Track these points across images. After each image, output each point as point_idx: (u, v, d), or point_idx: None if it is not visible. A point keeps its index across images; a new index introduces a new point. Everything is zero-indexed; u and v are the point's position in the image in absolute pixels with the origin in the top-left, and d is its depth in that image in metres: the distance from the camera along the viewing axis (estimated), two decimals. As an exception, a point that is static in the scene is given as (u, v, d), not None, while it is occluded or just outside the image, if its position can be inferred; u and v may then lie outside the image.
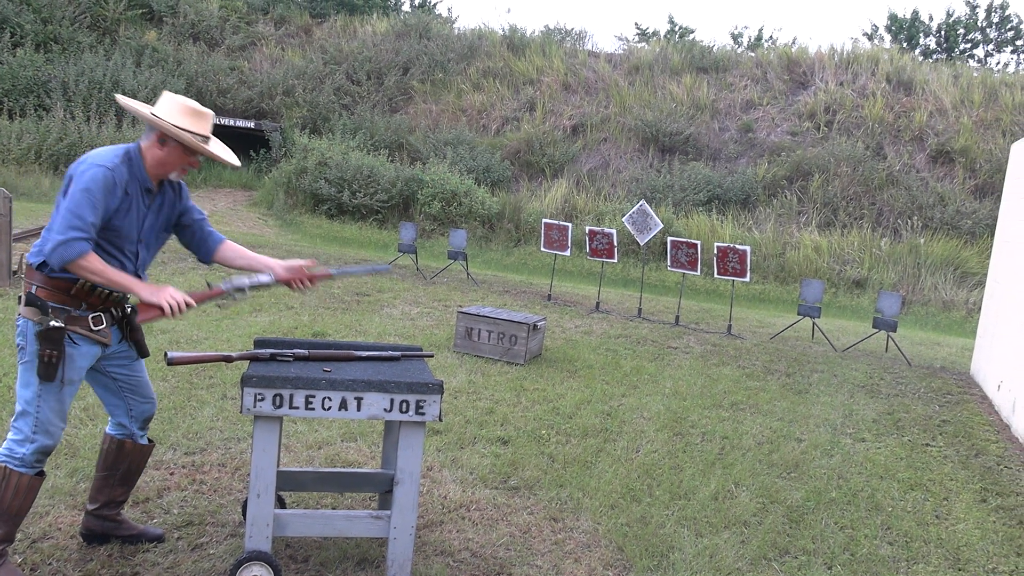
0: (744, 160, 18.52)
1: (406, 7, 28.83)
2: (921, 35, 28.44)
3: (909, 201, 16.61)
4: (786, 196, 17.23)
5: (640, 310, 10.51)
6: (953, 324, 13.45)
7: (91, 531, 3.20)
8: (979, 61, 27.49)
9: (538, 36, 23.50)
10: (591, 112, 19.92)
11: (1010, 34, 27.78)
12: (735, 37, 30.91)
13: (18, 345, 2.83)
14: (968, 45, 28.16)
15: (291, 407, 2.89)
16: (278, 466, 3.14)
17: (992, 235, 10.67)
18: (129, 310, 3.02)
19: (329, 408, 2.93)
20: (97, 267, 2.73)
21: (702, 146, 18.91)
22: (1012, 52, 28.20)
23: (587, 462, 4.74)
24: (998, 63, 28.09)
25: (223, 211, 16.93)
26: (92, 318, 2.86)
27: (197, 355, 3.10)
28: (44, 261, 2.75)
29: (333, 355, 3.22)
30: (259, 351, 3.14)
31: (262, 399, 2.86)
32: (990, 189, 16.59)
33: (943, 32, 28.16)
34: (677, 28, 30.29)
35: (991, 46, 28.26)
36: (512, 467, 4.52)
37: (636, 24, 46.41)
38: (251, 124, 19.97)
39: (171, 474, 3.94)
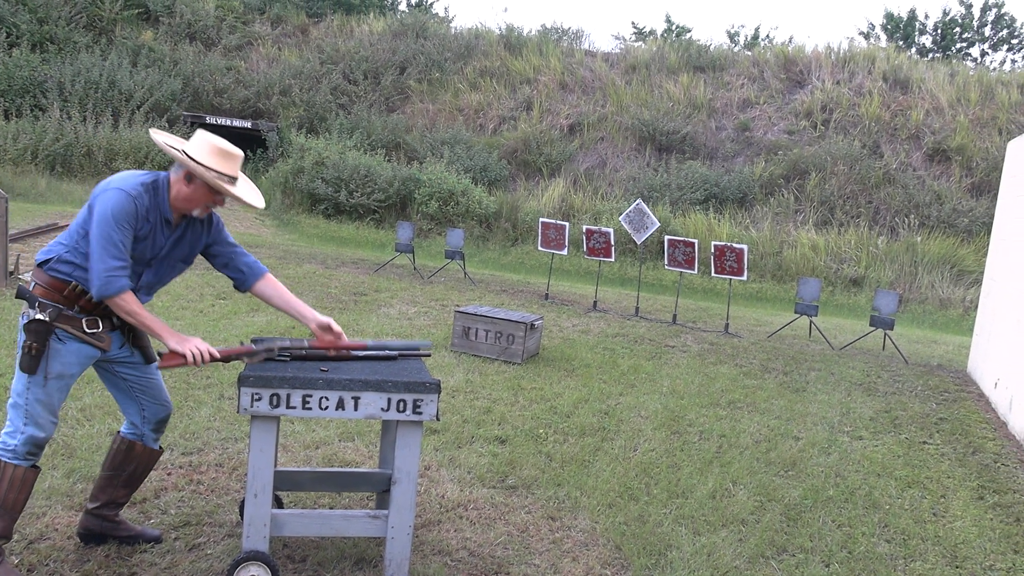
0: (741, 159, 18.53)
1: (403, 7, 28.84)
2: (917, 34, 28.48)
3: (906, 199, 16.63)
4: (783, 195, 17.25)
5: (637, 309, 10.51)
6: (950, 322, 13.47)
7: (89, 530, 3.20)
8: (974, 60, 27.54)
9: (535, 35, 23.51)
10: (588, 111, 19.92)
11: (1004, 33, 27.84)
12: (732, 36, 30.96)
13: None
14: (964, 44, 28.21)
15: (288, 407, 2.89)
16: (275, 466, 3.14)
17: (988, 233, 10.69)
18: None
19: (326, 408, 2.93)
20: (132, 308, 2.82)
21: (699, 145, 18.92)
22: (1008, 51, 28.26)
23: (585, 461, 4.74)
24: (992, 62, 28.16)
25: (221, 211, 16.89)
26: (87, 321, 2.88)
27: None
28: (47, 259, 2.84)
29: (330, 355, 3.22)
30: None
31: (259, 399, 2.86)
32: (986, 187, 16.62)
33: (939, 31, 28.21)
34: (674, 27, 30.31)
35: (987, 45, 28.32)
36: (510, 466, 4.52)
37: (633, 23, 46.41)
38: (248, 124, 19.95)
39: (168, 474, 3.93)
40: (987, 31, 28.10)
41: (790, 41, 24.33)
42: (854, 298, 14.44)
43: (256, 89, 20.65)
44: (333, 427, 4.82)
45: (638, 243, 11.20)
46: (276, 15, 23.98)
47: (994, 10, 27.74)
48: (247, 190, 3.08)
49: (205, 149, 2.91)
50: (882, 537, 4.14)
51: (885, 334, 9.57)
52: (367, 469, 3.88)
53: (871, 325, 9.48)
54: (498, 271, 14.27)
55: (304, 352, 3.15)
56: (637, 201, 11.00)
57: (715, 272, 10.24)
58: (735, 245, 10.03)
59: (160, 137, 3.01)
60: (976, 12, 27.92)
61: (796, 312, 9.92)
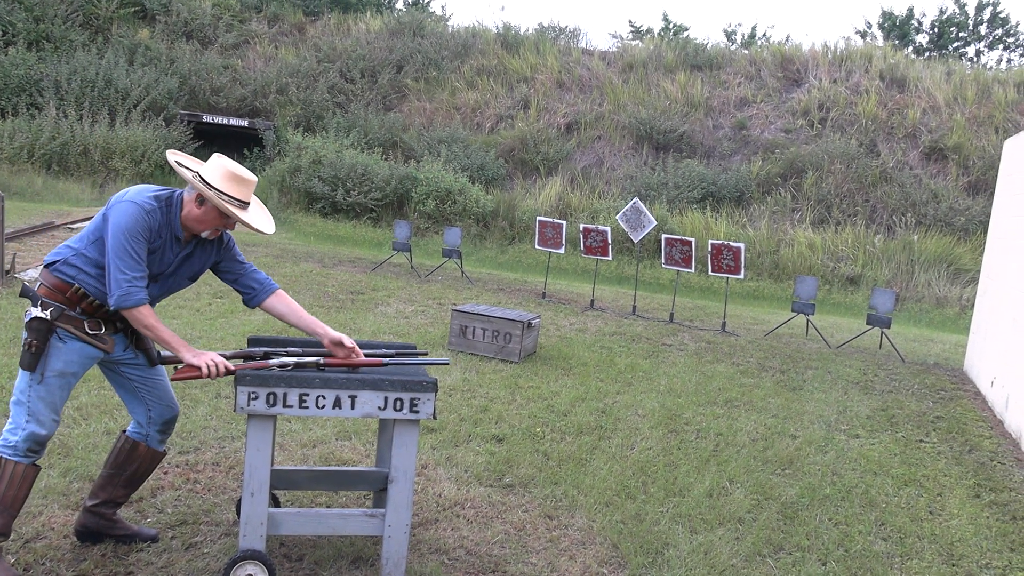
0: (738, 157, 18.54)
1: (400, 5, 28.80)
2: (914, 33, 28.52)
3: (903, 198, 16.65)
4: (780, 193, 17.26)
5: (634, 307, 10.52)
6: (946, 320, 13.49)
7: (86, 528, 3.20)
8: (970, 60, 27.58)
9: (532, 34, 23.49)
10: (585, 110, 19.92)
11: (1000, 31, 27.88)
12: (729, 35, 30.99)
13: None
14: (960, 43, 28.25)
15: (285, 405, 2.89)
16: (272, 465, 3.14)
17: (985, 232, 10.70)
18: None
19: (323, 406, 2.93)
20: (150, 322, 2.86)
21: (696, 143, 18.92)
22: (1004, 49, 28.30)
23: (582, 459, 4.74)
24: (988, 60, 28.21)
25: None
26: (88, 323, 2.91)
27: None
28: (55, 261, 2.89)
29: (327, 354, 3.22)
30: (252, 349, 3.13)
31: (256, 398, 2.86)
32: (983, 186, 16.65)
33: (936, 29, 28.24)
34: (671, 26, 30.32)
35: (983, 44, 28.37)
36: (507, 465, 4.52)
37: (630, 22, 46.46)
38: (245, 123, 19.91)
39: (165, 473, 3.93)
40: (983, 30, 28.15)
41: (787, 40, 24.33)
42: (851, 297, 14.46)
43: (253, 88, 20.62)
44: (330, 426, 4.82)
45: (635, 242, 11.21)
46: (273, 13, 23.94)
47: (989, 8, 27.78)
48: (258, 216, 3.12)
49: (219, 174, 2.95)
50: (879, 535, 4.14)
51: (882, 332, 9.58)
52: (364, 468, 3.88)
53: (868, 324, 9.49)
54: (495, 270, 14.26)
55: (300, 352, 3.15)
56: (634, 200, 11.00)
57: (712, 271, 10.24)
58: (732, 244, 10.03)
59: (175, 158, 3.05)
60: (971, 11, 27.96)
61: (793, 311, 9.93)
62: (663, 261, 10.60)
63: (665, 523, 3.96)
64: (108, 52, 19.86)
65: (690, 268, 10.48)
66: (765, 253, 15.59)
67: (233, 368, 2.93)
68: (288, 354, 3.13)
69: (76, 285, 2.87)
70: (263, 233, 3.14)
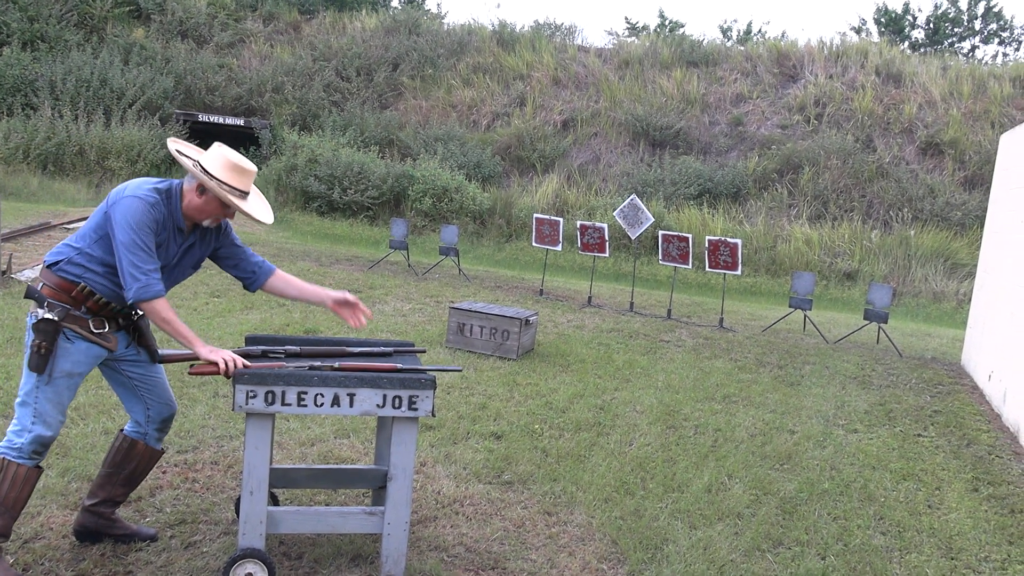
0: (734, 154, 18.55)
1: (395, 3, 28.75)
2: (909, 28, 28.54)
3: (899, 193, 16.67)
4: (776, 189, 17.28)
5: (632, 304, 10.52)
6: (944, 315, 13.52)
7: (85, 527, 3.19)
8: (966, 55, 27.61)
9: (528, 31, 23.46)
10: (581, 107, 19.90)
11: (995, 26, 27.91)
12: (724, 31, 30.96)
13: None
14: (955, 38, 28.28)
15: (283, 404, 2.88)
16: (271, 463, 3.13)
17: (982, 226, 10.73)
18: (136, 316, 3.09)
19: (321, 404, 2.92)
20: (167, 315, 2.89)
21: (692, 140, 18.93)
22: (999, 44, 28.34)
23: (580, 456, 4.75)
24: (984, 55, 28.24)
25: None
26: (93, 321, 2.91)
27: (186, 353, 3.09)
28: (57, 261, 2.88)
29: (325, 352, 3.22)
30: (250, 348, 3.13)
31: (254, 396, 2.85)
32: (979, 180, 16.67)
33: (931, 24, 28.26)
34: (667, 22, 30.32)
35: (978, 39, 28.39)
36: (505, 462, 4.52)
37: (626, 18, 46.42)
38: (240, 121, 19.87)
39: (163, 472, 3.92)
40: (977, 24, 28.17)
41: (783, 36, 24.39)
42: (848, 292, 14.47)
43: (248, 86, 20.56)
44: (328, 424, 4.81)
45: (632, 238, 11.21)
46: (268, 12, 23.88)
47: (983, 3, 27.80)
48: (258, 205, 3.13)
49: (219, 163, 2.96)
50: (877, 529, 4.15)
51: (879, 327, 9.59)
52: (363, 466, 3.88)
53: (865, 319, 9.50)
54: (492, 267, 14.26)
55: (299, 350, 3.16)
56: (631, 196, 11.00)
57: (709, 267, 10.24)
58: (729, 240, 10.04)
59: (176, 146, 3.05)
60: (965, 6, 28.00)
61: (790, 306, 9.94)
62: (660, 257, 10.60)
63: (664, 519, 3.97)
64: (103, 52, 19.79)
65: (687, 264, 10.48)
66: (762, 249, 15.60)
67: (250, 366, 2.93)
68: (286, 352, 3.13)
69: (82, 284, 2.87)
70: (262, 223, 3.15)
